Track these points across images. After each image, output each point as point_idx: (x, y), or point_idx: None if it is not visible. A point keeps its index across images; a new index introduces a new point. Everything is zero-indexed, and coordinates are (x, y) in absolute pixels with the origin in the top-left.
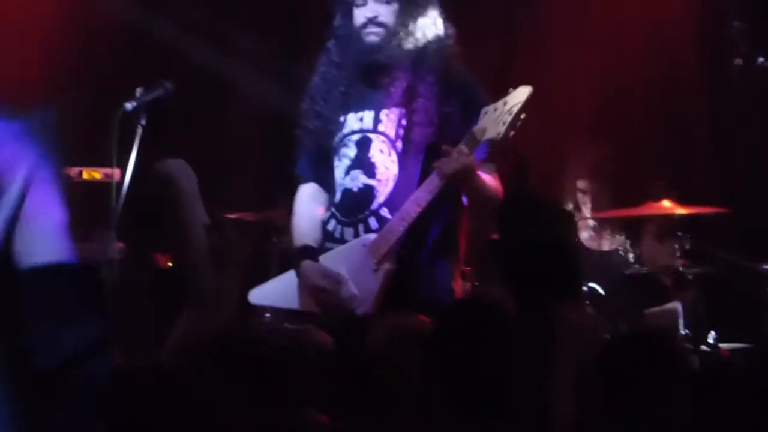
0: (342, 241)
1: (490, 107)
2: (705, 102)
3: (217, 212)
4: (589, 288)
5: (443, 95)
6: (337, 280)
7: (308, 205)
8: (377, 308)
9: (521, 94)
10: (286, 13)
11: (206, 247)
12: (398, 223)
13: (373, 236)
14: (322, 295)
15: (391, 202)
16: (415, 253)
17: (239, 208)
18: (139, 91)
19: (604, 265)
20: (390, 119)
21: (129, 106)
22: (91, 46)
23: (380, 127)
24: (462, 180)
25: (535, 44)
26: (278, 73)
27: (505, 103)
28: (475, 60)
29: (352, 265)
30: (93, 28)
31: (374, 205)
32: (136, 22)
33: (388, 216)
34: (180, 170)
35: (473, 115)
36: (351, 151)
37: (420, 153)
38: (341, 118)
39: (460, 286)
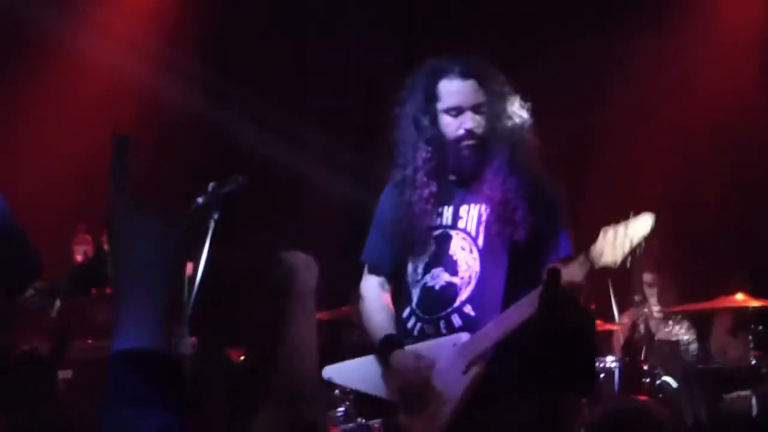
0: (422, 337)
1: (610, 230)
2: None
3: None
4: (663, 382)
5: (525, 193)
6: (431, 361)
7: (380, 295)
8: (462, 408)
9: (645, 224)
10: (363, 109)
11: (308, 350)
12: (496, 329)
13: (465, 336)
14: (418, 375)
15: (474, 300)
16: (504, 357)
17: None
18: (211, 186)
19: (676, 357)
20: (470, 216)
21: (201, 200)
22: (166, 141)
23: (460, 224)
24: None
25: (605, 134)
26: (353, 169)
27: (626, 229)
28: (546, 151)
29: (440, 362)
30: (168, 123)
31: (457, 303)
32: (210, 118)
33: (472, 313)
34: (306, 265)
35: (552, 216)
36: (431, 247)
37: (503, 250)
38: (423, 211)
39: None
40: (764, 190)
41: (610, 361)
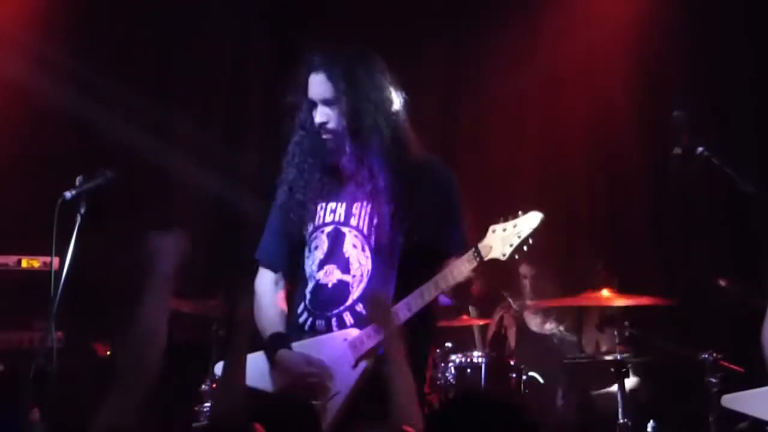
0: (313, 333)
1: (499, 226)
2: (646, 192)
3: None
4: (528, 377)
5: (413, 190)
6: (322, 366)
7: (273, 292)
8: (350, 402)
9: (533, 220)
10: (229, 103)
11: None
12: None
13: (355, 332)
14: (306, 381)
15: (366, 298)
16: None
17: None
18: (78, 180)
19: (546, 351)
20: (361, 214)
21: (68, 194)
22: (33, 134)
23: (352, 221)
24: (460, 293)
25: (477, 129)
26: (222, 162)
27: (515, 226)
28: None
29: (330, 357)
30: (34, 116)
31: (349, 301)
32: (77, 111)
33: (363, 312)
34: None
35: (447, 210)
36: (324, 244)
37: (394, 249)
38: (314, 208)
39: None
40: (635, 183)
41: (477, 356)
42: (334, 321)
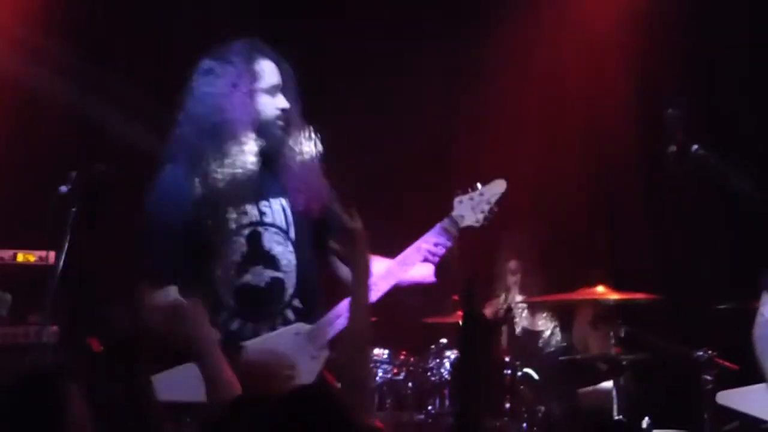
0: (256, 337)
1: (465, 196)
2: (641, 189)
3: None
4: (524, 373)
5: (310, 183)
6: (292, 359)
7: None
8: None
9: (499, 186)
10: None
11: None
12: (343, 317)
13: (305, 326)
14: (283, 373)
15: (301, 292)
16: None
17: None
18: (73, 174)
19: (538, 348)
20: (275, 210)
21: (63, 188)
22: (29, 129)
23: (266, 219)
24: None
25: (474, 128)
26: None
27: (481, 194)
28: (420, 146)
29: (288, 351)
30: (30, 110)
31: (286, 297)
32: (74, 105)
33: (301, 306)
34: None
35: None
36: (242, 246)
37: (313, 240)
38: (225, 211)
39: None
40: (631, 180)
41: None
42: (278, 320)
